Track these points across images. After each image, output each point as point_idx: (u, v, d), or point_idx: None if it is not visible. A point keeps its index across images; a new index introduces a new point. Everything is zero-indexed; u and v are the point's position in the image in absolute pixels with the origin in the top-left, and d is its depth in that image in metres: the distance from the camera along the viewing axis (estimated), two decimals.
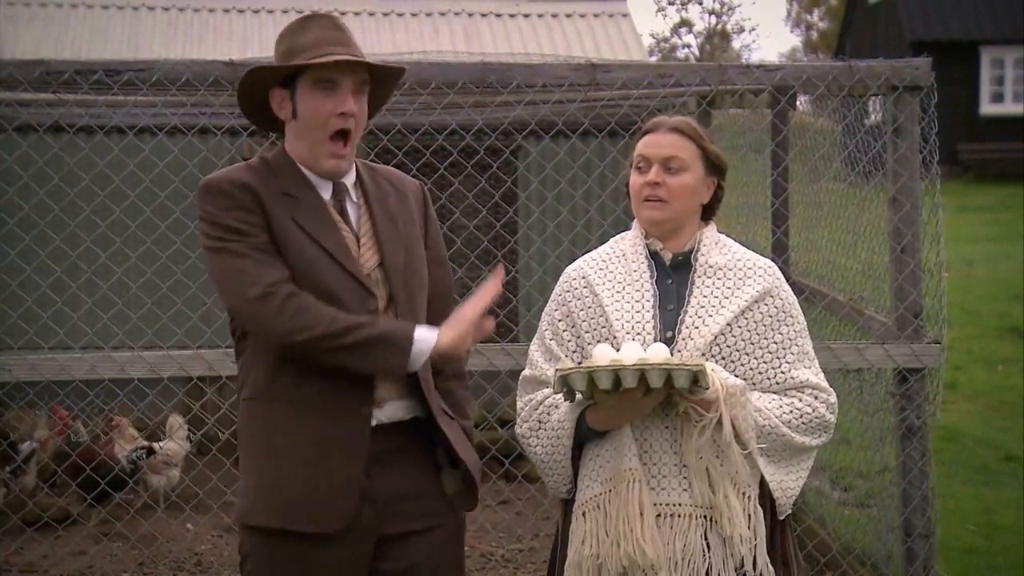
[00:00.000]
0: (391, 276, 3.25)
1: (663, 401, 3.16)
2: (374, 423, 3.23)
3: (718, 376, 3.14)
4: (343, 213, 3.27)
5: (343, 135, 3.22)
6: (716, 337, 3.23)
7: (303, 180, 3.25)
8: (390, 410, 3.26)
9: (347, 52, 3.19)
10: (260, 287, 3.10)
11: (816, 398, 3.32)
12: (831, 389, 3.37)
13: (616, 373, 3.04)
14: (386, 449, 3.25)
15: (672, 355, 3.18)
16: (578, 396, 3.17)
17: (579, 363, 3.22)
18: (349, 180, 3.31)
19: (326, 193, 3.26)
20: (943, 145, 5.54)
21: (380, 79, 3.31)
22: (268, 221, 3.16)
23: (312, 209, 3.22)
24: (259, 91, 3.26)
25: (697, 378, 3.04)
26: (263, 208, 3.16)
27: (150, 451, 7.26)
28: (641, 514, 3.15)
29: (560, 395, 3.21)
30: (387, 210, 3.32)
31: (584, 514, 3.25)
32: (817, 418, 3.31)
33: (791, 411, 3.28)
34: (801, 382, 3.31)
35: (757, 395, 3.26)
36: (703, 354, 3.21)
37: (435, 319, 3.30)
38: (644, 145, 3.33)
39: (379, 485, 3.24)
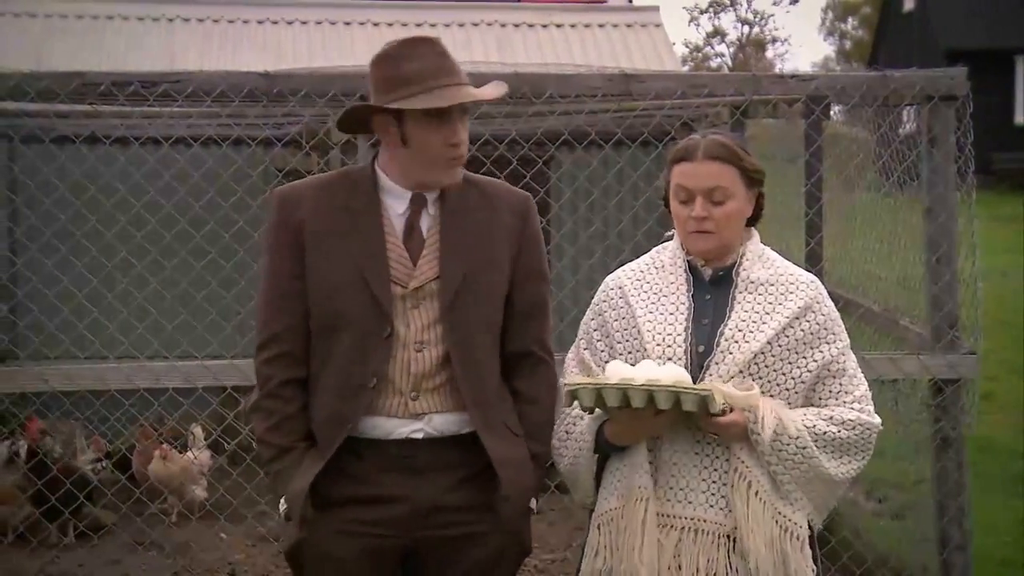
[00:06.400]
0: (444, 290, 3.23)
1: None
2: (421, 435, 3.24)
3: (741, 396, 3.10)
4: (412, 226, 3.25)
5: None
6: (755, 355, 3.17)
7: (373, 195, 3.26)
8: (439, 423, 3.25)
9: (458, 83, 3.17)
10: (262, 336, 3.28)
11: (859, 416, 3.24)
12: (875, 416, 3.27)
13: (624, 392, 3.02)
14: (430, 462, 3.24)
15: (709, 369, 3.16)
16: (596, 410, 3.15)
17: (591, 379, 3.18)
18: (432, 194, 3.28)
19: (400, 207, 3.26)
20: (977, 155, 5.49)
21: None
22: (302, 242, 3.23)
23: (366, 225, 3.23)
24: (362, 112, 3.26)
25: (706, 403, 3.00)
26: (302, 229, 3.22)
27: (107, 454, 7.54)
28: (643, 534, 3.13)
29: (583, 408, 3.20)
30: (462, 223, 3.28)
31: (599, 527, 3.24)
32: (861, 425, 3.23)
33: (831, 418, 3.21)
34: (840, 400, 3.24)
35: (801, 412, 3.20)
36: (741, 371, 3.15)
37: (518, 332, 3.35)
38: (682, 175, 3.23)
39: (417, 496, 3.23)
